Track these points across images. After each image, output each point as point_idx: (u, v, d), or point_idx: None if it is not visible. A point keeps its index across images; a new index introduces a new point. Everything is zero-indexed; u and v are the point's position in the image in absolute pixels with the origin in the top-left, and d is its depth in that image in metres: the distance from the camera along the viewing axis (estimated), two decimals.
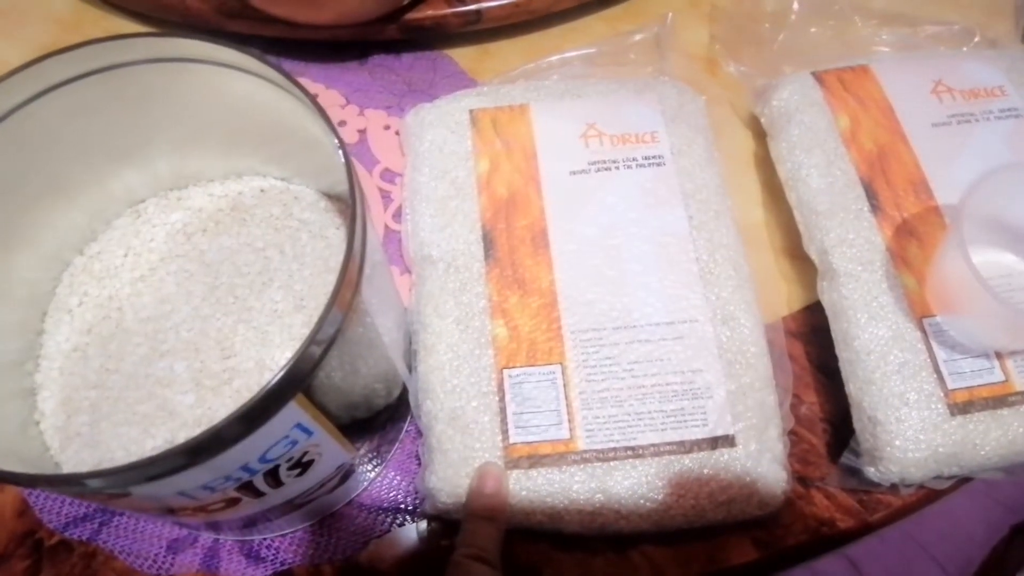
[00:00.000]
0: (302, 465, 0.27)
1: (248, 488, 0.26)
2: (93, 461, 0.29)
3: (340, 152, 0.25)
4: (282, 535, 0.34)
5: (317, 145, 0.30)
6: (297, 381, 0.23)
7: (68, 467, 0.29)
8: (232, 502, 0.26)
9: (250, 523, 0.32)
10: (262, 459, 0.25)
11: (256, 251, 0.33)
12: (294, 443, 0.25)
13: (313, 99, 0.26)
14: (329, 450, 0.28)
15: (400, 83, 0.44)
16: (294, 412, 0.24)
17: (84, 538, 0.34)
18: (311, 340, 0.22)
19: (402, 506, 0.35)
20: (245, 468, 0.24)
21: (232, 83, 0.29)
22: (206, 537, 0.34)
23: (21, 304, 0.31)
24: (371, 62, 0.45)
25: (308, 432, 0.26)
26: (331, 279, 0.32)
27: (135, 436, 0.29)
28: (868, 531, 0.34)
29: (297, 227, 0.34)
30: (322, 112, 0.26)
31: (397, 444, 0.36)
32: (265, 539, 0.34)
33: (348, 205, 0.34)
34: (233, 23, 0.43)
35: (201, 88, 0.30)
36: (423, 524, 0.34)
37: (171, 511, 0.26)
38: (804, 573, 0.38)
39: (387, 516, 0.34)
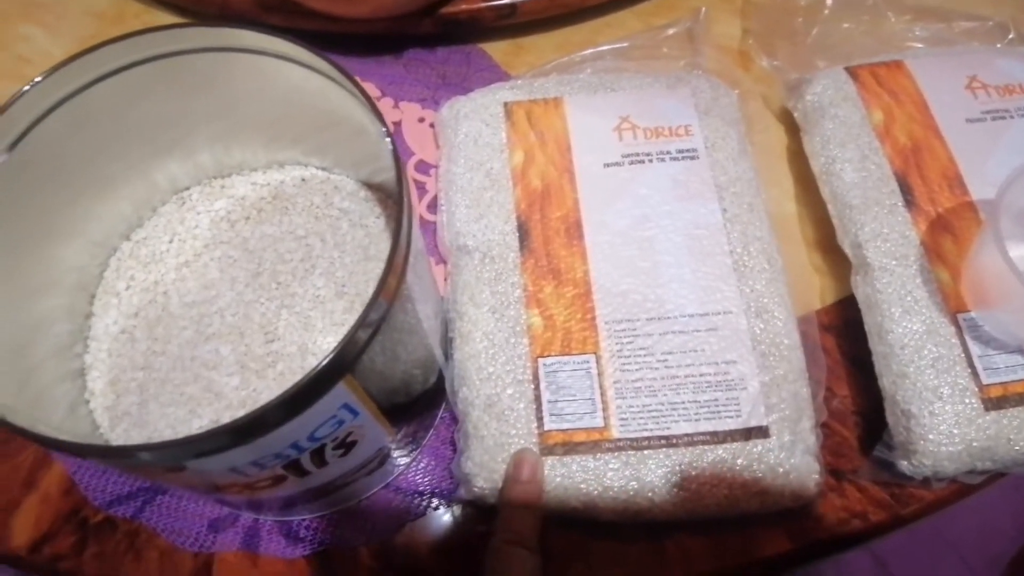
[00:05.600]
0: (346, 445, 0.28)
1: (295, 467, 0.26)
2: (141, 440, 0.30)
3: (388, 141, 0.26)
4: (320, 516, 0.34)
5: (359, 135, 0.31)
6: (348, 361, 0.23)
7: (118, 445, 0.29)
8: (278, 480, 0.27)
9: (290, 503, 0.32)
10: (311, 438, 0.25)
11: (298, 239, 0.34)
12: (341, 423, 0.26)
13: (362, 90, 0.27)
14: (371, 431, 0.29)
15: (434, 76, 0.45)
16: (342, 392, 0.24)
17: (128, 516, 0.35)
18: (361, 323, 0.23)
19: (437, 491, 0.35)
20: (294, 446, 0.25)
21: (280, 73, 0.30)
22: (247, 517, 0.34)
23: (70, 289, 0.32)
24: (406, 56, 0.46)
25: (354, 413, 0.26)
26: (371, 266, 0.33)
27: (182, 416, 0.30)
28: (900, 524, 0.34)
29: (337, 216, 0.34)
30: (370, 102, 0.27)
31: (432, 430, 0.36)
32: (304, 520, 0.34)
33: (388, 195, 0.35)
34: (272, 17, 0.43)
35: (249, 78, 0.31)
36: (458, 508, 0.34)
37: (220, 488, 0.27)
38: (831, 568, 0.38)
39: (422, 500, 0.35)
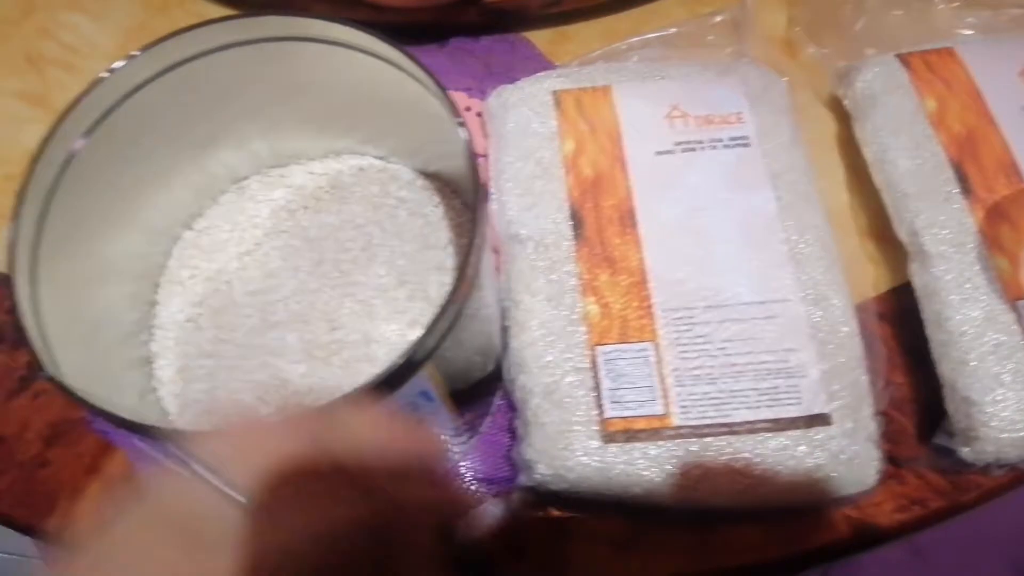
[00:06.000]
0: None
1: None
2: (212, 427, 0.30)
3: (462, 131, 0.26)
4: None
5: (418, 123, 0.31)
6: (432, 348, 0.24)
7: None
8: None
9: None
10: None
11: (357, 227, 0.34)
12: (416, 408, 0.26)
13: (435, 78, 0.27)
14: (440, 418, 0.29)
15: (479, 66, 0.45)
16: (424, 378, 0.24)
17: None
18: (444, 310, 0.23)
19: (494, 477, 0.35)
20: None
21: (341, 61, 0.30)
22: None
23: (134, 278, 0.33)
24: (450, 45, 0.45)
25: (429, 399, 0.26)
26: (431, 255, 0.33)
27: (251, 403, 0.30)
28: (958, 511, 0.35)
29: (395, 205, 0.34)
30: (443, 91, 0.27)
31: (488, 417, 0.36)
32: None
33: (445, 183, 0.35)
34: (318, 6, 0.43)
35: (308, 66, 0.31)
36: (517, 495, 0.35)
37: None
38: (870, 557, 0.38)
39: (480, 487, 0.35)
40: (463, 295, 0.24)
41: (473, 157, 0.26)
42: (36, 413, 0.36)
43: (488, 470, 0.35)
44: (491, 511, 0.34)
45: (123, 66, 0.26)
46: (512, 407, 0.36)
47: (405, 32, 0.46)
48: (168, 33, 0.27)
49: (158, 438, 0.23)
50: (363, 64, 0.30)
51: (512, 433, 0.36)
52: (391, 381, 0.23)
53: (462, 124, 0.26)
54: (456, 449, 0.34)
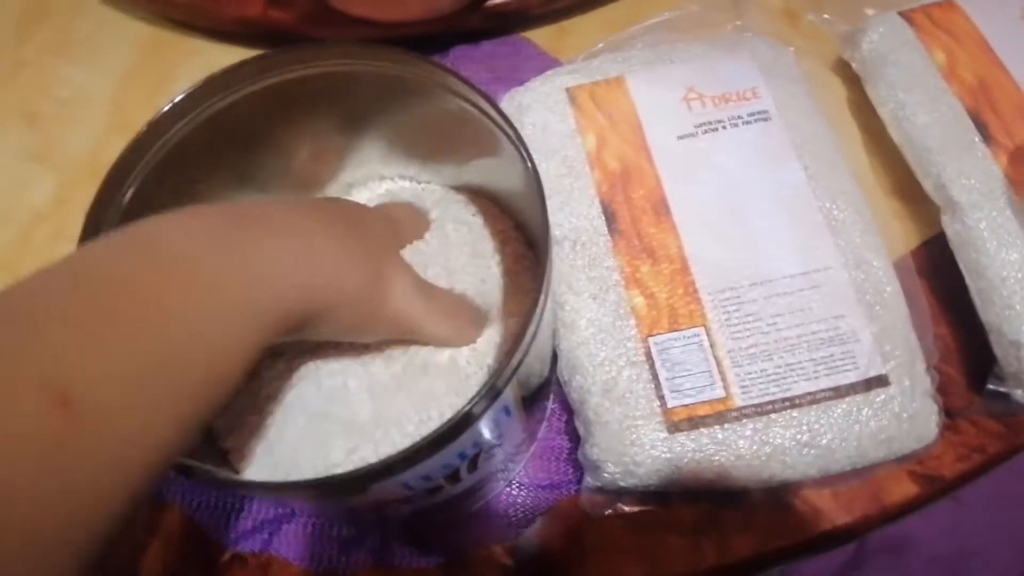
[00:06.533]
0: (494, 447, 0.28)
1: (453, 476, 0.27)
2: (280, 476, 0.29)
3: (527, 161, 0.26)
4: (448, 523, 0.34)
5: (450, 138, 0.31)
6: (517, 365, 0.23)
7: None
8: (434, 491, 0.27)
9: (422, 515, 0.32)
10: (475, 445, 0.25)
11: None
12: (497, 424, 0.26)
13: (493, 102, 0.26)
14: (513, 430, 0.29)
15: (484, 71, 0.44)
16: (508, 396, 0.24)
17: (256, 550, 0.34)
18: (528, 322, 0.23)
19: (558, 482, 0.35)
20: (461, 455, 0.25)
21: (385, 88, 0.29)
22: (375, 534, 0.34)
23: None
24: (452, 54, 0.45)
25: (509, 413, 0.26)
26: (481, 264, 0.33)
27: (317, 449, 0.29)
28: (1016, 452, 0.35)
29: (438, 222, 0.34)
30: (503, 117, 0.26)
31: (544, 423, 0.36)
32: (432, 528, 0.34)
33: (477, 193, 0.35)
34: (317, 30, 0.43)
35: (337, 97, 0.30)
36: (586, 497, 0.35)
37: (382, 506, 0.27)
38: (917, 519, 0.39)
39: (546, 493, 0.35)
40: (543, 309, 0.24)
41: (540, 185, 0.25)
42: None
43: (551, 477, 0.35)
44: (561, 515, 0.34)
45: (162, 114, 0.26)
46: (567, 409, 0.36)
47: (406, 45, 0.45)
48: (208, 75, 0.26)
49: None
50: (400, 89, 0.30)
51: (570, 436, 0.36)
52: (487, 399, 0.23)
53: (522, 149, 0.26)
54: (519, 459, 0.34)
